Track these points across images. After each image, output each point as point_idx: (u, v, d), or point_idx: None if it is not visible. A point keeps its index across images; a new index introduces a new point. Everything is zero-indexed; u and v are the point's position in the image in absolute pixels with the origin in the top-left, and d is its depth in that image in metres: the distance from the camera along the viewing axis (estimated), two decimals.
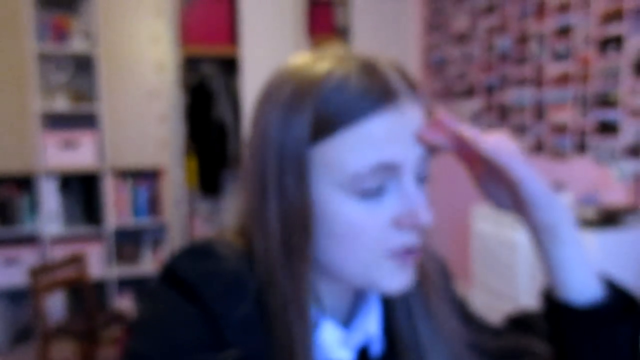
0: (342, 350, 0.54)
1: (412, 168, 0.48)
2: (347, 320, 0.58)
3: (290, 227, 0.48)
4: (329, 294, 0.54)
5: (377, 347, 0.58)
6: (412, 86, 0.49)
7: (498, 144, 0.48)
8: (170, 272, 0.50)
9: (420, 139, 0.48)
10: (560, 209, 0.49)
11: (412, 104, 0.48)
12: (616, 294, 0.51)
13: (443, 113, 0.48)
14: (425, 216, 0.47)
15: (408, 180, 0.48)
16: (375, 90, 0.46)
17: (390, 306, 0.58)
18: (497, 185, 0.52)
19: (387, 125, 0.46)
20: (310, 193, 0.48)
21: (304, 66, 0.49)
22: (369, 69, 0.47)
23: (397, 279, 0.50)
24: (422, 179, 0.50)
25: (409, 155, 0.47)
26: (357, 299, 0.59)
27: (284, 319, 0.48)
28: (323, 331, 0.53)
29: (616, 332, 0.50)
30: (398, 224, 0.48)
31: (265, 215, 0.49)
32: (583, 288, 0.50)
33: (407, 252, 0.49)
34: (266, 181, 0.49)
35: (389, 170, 0.47)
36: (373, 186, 0.47)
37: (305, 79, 0.48)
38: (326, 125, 0.46)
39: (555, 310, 0.52)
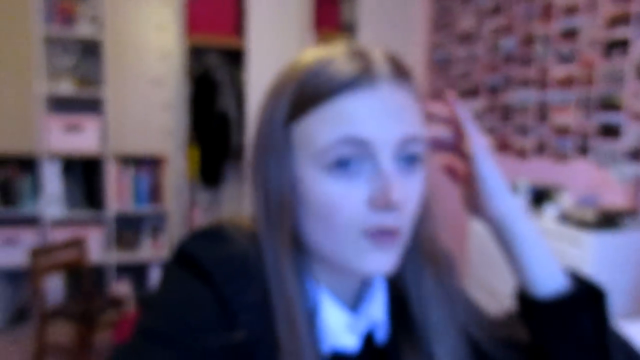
0: (348, 335, 0.54)
1: (389, 149, 0.47)
2: (354, 305, 0.58)
3: (271, 204, 0.51)
4: (332, 276, 0.55)
5: (382, 334, 0.58)
6: (401, 73, 0.50)
7: (478, 135, 0.56)
8: (183, 254, 0.51)
9: (427, 113, 0.52)
10: (512, 201, 0.55)
11: (396, 88, 0.49)
12: (580, 285, 0.53)
13: (451, 93, 0.53)
14: (396, 194, 0.46)
15: (382, 160, 0.47)
16: (353, 72, 0.47)
17: (399, 292, 0.59)
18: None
19: (362, 103, 0.47)
20: (288, 172, 0.50)
21: (299, 58, 0.52)
22: (354, 55, 0.49)
23: (373, 260, 0.49)
24: (410, 161, 0.50)
25: (383, 134, 0.47)
26: (363, 282, 0.59)
27: (279, 298, 0.50)
28: (328, 315, 0.53)
29: (581, 321, 0.51)
30: (371, 203, 0.47)
31: (255, 194, 0.52)
32: (546, 281, 0.53)
33: (381, 232, 0.48)
34: (256, 162, 0.52)
35: (358, 145, 0.47)
36: (339, 157, 0.47)
37: (293, 68, 0.51)
38: (302, 104, 0.48)
39: (524, 304, 0.54)
